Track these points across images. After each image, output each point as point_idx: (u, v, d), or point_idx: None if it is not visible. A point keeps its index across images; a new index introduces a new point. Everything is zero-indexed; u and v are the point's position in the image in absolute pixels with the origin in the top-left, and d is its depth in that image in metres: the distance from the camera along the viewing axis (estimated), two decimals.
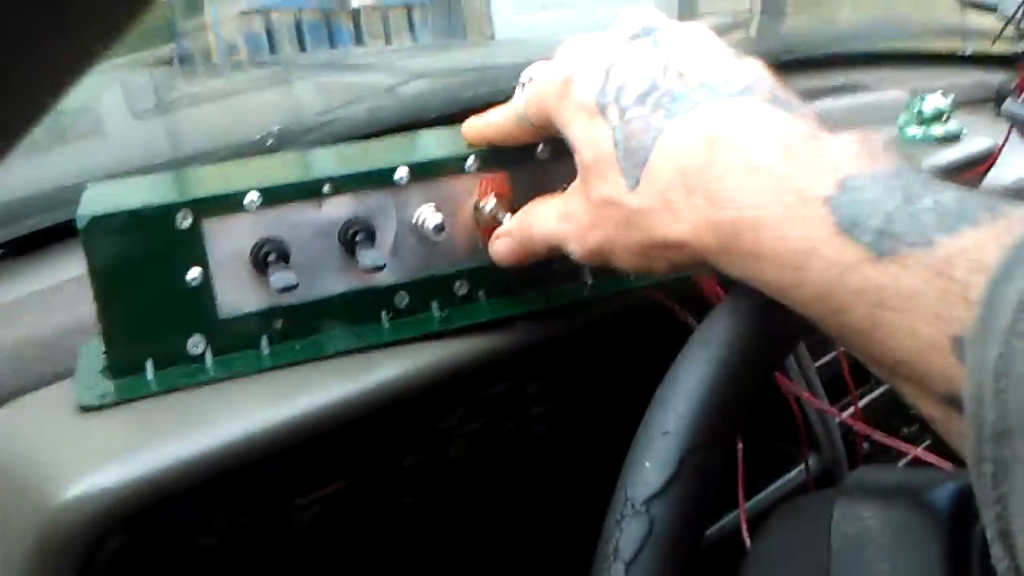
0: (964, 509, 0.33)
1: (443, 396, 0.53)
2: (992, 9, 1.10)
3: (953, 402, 0.28)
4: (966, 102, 1.04)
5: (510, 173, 0.50)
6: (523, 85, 0.47)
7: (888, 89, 1.08)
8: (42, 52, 0.17)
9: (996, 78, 1.19)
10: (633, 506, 0.33)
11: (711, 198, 0.35)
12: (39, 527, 0.38)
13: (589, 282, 0.53)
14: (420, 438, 0.56)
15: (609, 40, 0.42)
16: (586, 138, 0.41)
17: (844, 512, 0.35)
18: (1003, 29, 1.09)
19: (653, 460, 0.34)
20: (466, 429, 0.60)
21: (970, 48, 1.37)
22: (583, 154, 0.41)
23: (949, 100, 0.91)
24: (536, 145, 0.50)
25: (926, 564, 0.32)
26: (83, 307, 0.51)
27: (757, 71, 0.39)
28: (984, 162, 0.88)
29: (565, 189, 0.45)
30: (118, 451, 0.40)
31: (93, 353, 0.48)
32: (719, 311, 0.37)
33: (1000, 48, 1.24)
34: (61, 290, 0.56)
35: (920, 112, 0.91)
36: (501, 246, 0.49)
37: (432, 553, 0.60)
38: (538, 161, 0.50)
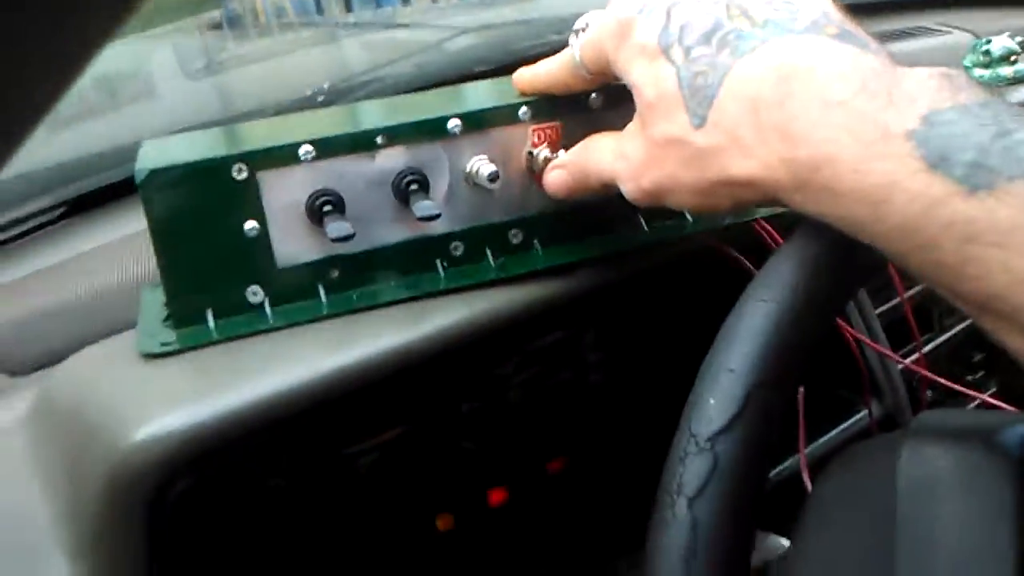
0: None
1: (499, 344, 0.53)
2: None
3: None
4: None
5: (563, 122, 0.49)
6: (577, 33, 0.46)
7: (951, 32, 1.04)
8: (41, 49, 0.16)
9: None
10: (697, 443, 0.33)
11: (785, 134, 0.35)
12: (110, 469, 0.39)
13: (645, 229, 0.53)
14: (477, 385, 0.57)
15: None
16: (648, 78, 0.40)
17: (912, 453, 0.34)
18: None
19: (718, 397, 0.33)
20: (522, 377, 0.60)
21: None
22: (644, 93, 0.40)
23: (1017, 41, 0.88)
24: (589, 94, 0.49)
25: (997, 506, 0.31)
26: (144, 262, 0.52)
27: (824, 6, 0.38)
28: None
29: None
30: (184, 396, 0.41)
31: (154, 304, 0.49)
32: (783, 252, 0.37)
33: None
34: (122, 246, 0.57)
35: (988, 52, 0.87)
36: (555, 178, 0.48)
37: (486, 496, 0.60)
38: (591, 110, 0.49)
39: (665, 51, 0.40)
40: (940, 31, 1.06)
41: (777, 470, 0.64)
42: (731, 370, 0.34)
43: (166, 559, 0.41)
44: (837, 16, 0.38)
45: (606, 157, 0.45)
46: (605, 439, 0.64)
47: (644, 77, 0.40)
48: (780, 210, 0.54)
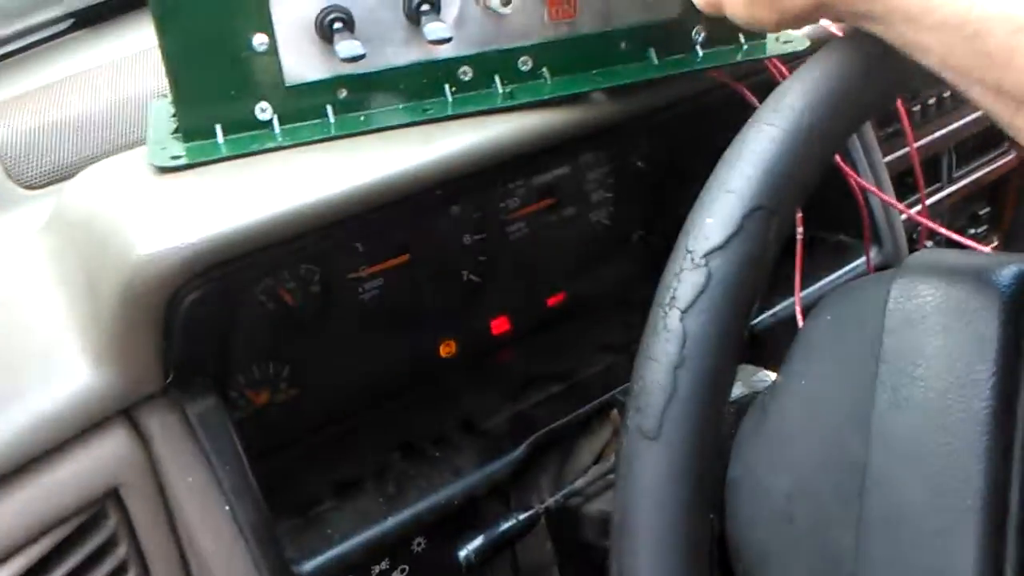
0: (1022, 287, 0.33)
1: (504, 175, 0.53)
2: None
3: None
4: None
5: None
6: None
7: None
8: None
9: None
10: (693, 259, 0.34)
11: None
12: (124, 279, 0.40)
13: (655, 62, 0.52)
14: (481, 217, 0.57)
15: None
16: None
17: (902, 289, 0.35)
18: None
19: (716, 216, 0.34)
20: (526, 211, 0.61)
21: None
22: None
23: None
24: None
25: (979, 342, 0.32)
26: (154, 78, 0.52)
27: None
28: None
29: None
30: (193, 211, 0.42)
31: (164, 116, 0.49)
32: (790, 80, 0.37)
33: None
34: (132, 61, 0.56)
35: None
36: None
37: (487, 325, 0.62)
38: None
39: None
40: None
41: (773, 311, 0.65)
42: (730, 191, 0.34)
43: (180, 363, 0.43)
44: None
45: None
46: (607, 276, 0.65)
47: None
48: (794, 49, 0.54)
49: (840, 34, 0.39)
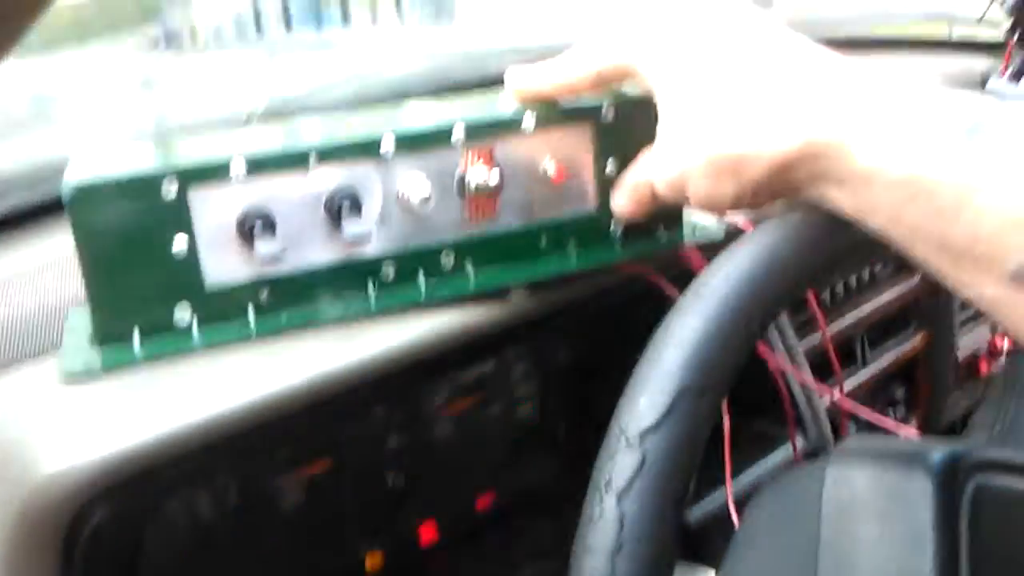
0: (955, 471, 0.34)
1: (430, 373, 0.53)
2: None
3: (1017, 277, 0.32)
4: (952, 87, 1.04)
5: (495, 144, 0.50)
6: (583, 42, 0.48)
7: None
8: None
9: (982, 64, 1.19)
10: (627, 439, 0.34)
11: (800, 101, 0.38)
12: (22, 500, 0.38)
13: (574, 256, 0.53)
14: (405, 418, 0.56)
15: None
16: (670, 77, 0.43)
17: (835, 477, 0.35)
18: (986, 10, 1.09)
19: (648, 396, 0.35)
20: (452, 410, 0.60)
21: (956, 34, 1.37)
22: (666, 91, 0.43)
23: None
24: (521, 117, 0.50)
25: (915, 526, 0.33)
26: (70, 285, 0.51)
27: None
28: None
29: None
30: (103, 423, 0.40)
31: (80, 325, 0.47)
32: (715, 266, 0.38)
33: (986, 35, 1.24)
34: (48, 268, 0.55)
35: None
36: (618, 200, 0.51)
37: (415, 533, 0.59)
38: (523, 133, 0.50)
39: (691, 44, 0.42)
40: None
41: (706, 502, 0.65)
42: (662, 372, 0.35)
43: None
44: None
45: (646, 164, 0.47)
46: (534, 473, 0.64)
47: (666, 77, 0.43)
48: (709, 239, 0.56)
49: (749, 228, 0.41)
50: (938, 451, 0.35)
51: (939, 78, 0.96)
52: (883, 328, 0.91)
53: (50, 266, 0.54)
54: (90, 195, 0.43)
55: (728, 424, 0.53)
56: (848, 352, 0.88)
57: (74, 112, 0.98)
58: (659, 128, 0.44)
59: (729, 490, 0.55)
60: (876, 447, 0.37)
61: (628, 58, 0.45)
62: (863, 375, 0.88)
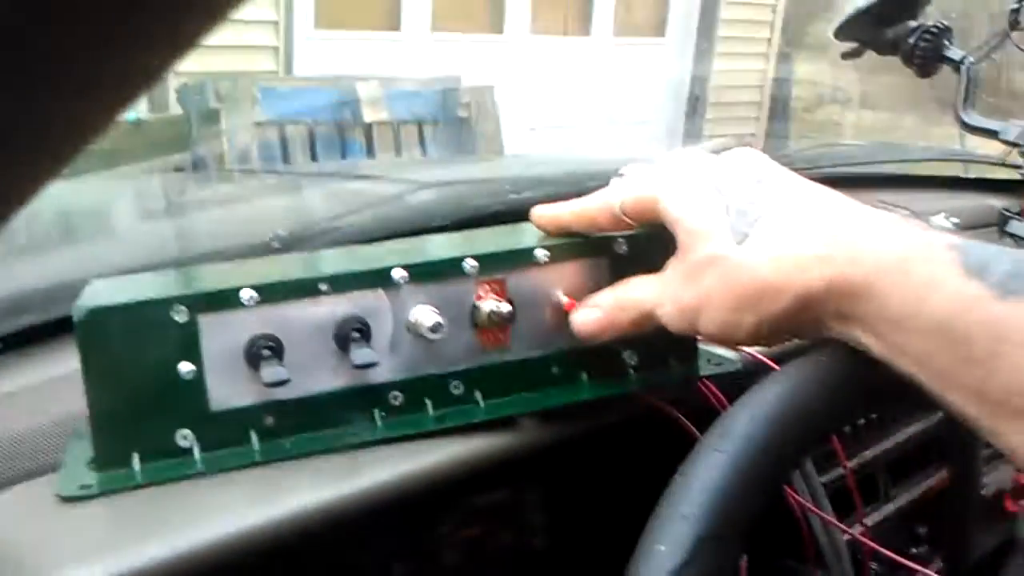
0: None
1: (437, 501, 0.52)
2: (993, 134, 1.11)
3: None
4: (969, 226, 1.05)
5: (508, 276, 0.50)
6: (620, 176, 0.50)
7: (893, 211, 1.08)
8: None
9: (999, 202, 1.20)
10: None
11: (828, 237, 0.38)
12: None
13: (586, 386, 0.53)
14: (412, 545, 0.55)
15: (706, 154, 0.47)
16: (695, 209, 0.43)
17: None
18: (1008, 154, 1.10)
19: (668, 543, 0.33)
20: (461, 537, 0.58)
21: (972, 172, 1.39)
22: (690, 221, 0.43)
23: (952, 222, 0.91)
24: (535, 248, 0.50)
25: None
26: (77, 402, 0.51)
27: None
28: None
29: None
30: (101, 546, 0.39)
31: (81, 444, 0.47)
32: (740, 406, 0.38)
33: (1003, 173, 1.26)
34: (57, 384, 0.55)
35: None
36: (586, 316, 0.49)
37: None
38: (537, 264, 0.50)
39: (716, 187, 0.43)
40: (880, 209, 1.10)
41: None
42: (683, 517, 0.34)
43: None
44: None
45: (648, 288, 0.47)
46: None
47: (691, 209, 0.43)
48: (726, 371, 0.55)
49: (771, 363, 0.41)
50: None
51: (956, 215, 0.96)
52: (906, 463, 0.89)
53: (57, 384, 0.54)
54: (101, 318, 0.43)
55: (745, 562, 0.52)
56: (871, 487, 0.85)
57: (95, 232, 1.00)
58: (678, 256, 0.44)
59: None
60: None
61: (652, 191, 0.46)
62: (886, 511, 0.85)
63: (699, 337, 0.51)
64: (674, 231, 0.45)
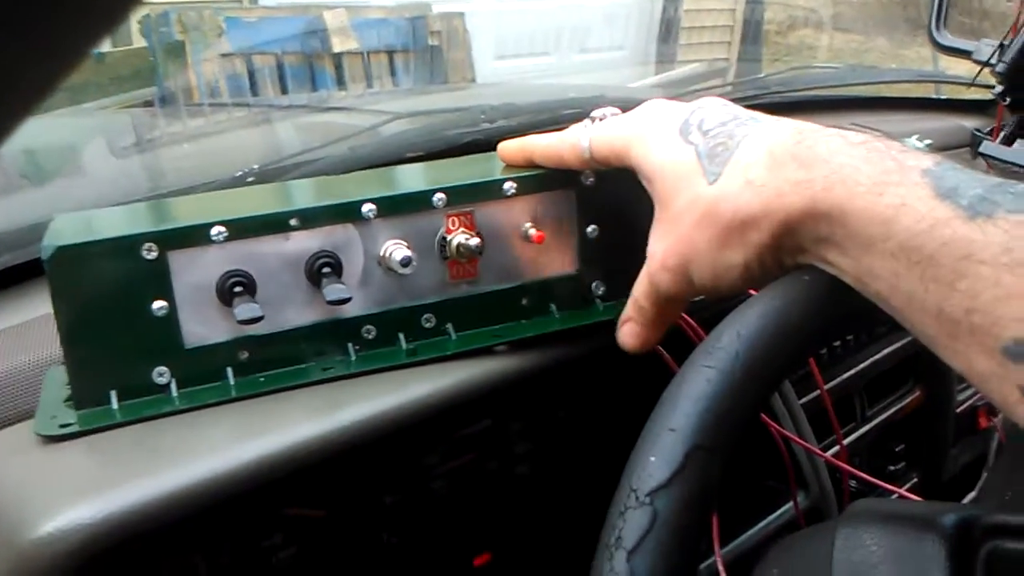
0: (968, 535, 0.34)
1: (422, 433, 0.52)
2: (967, 54, 1.10)
3: (1008, 352, 0.32)
4: (942, 147, 1.05)
5: (475, 208, 0.50)
6: (592, 120, 0.49)
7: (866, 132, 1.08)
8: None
9: (971, 123, 1.20)
10: (637, 497, 0.34)
11: (801, 161, 0.38)
12: (12, 564, 0.37)
13: (557, 315, 0.53)
14: (401, 475, 0.55)
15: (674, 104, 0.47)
16: (667, 161, 0.43)
17: (846, 540, 0.35)
18: (978, 73, 1.09)
19: (658, 455, 0.35)
20: (448, 467, 0.59)
21: (944, 94, 1.38)
22: (664, 175, 0.43)
23: (925, 144, 0.91)
24: (504, 181, 0.51)
25: None
26: (47, 347, 0.50)
27: None
28: None
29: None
30: (88, 486, 0.39)
31: (57, 384, 0.47)
32: (726, 324, 0.38)
33: (974, 93, 1.25)
34: (25, 329, 0.55)
35: None
36: (629, 333, 0.49)
37: None
38: (503, 196, 0.51)
39: (684, 136, 0.43)
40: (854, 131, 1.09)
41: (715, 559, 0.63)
42: (672, 429, 0.35)
43: None
44: None
45: (644, 274, 0.47)
46: (532, 532, 0.63)
47: (663, 162, 0.44)
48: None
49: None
50: (950, 515, 0.35)
51: (929, 136, 0.96)
52: (881, 384, 0.90)
53: (29, 327, 0.54)
54: (70, 257, 0.43)
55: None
56: (847, 408, 0.87)
57: (65, 171, 0.98)
58: (657, 215, 0.45)
59: (718, 554, 0.54)
60: (886, 510, 0.37)
61: (624, 138, 0.46)
62: (863, 431, 0.87)
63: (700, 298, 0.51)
64: (647, 182, 0.45)
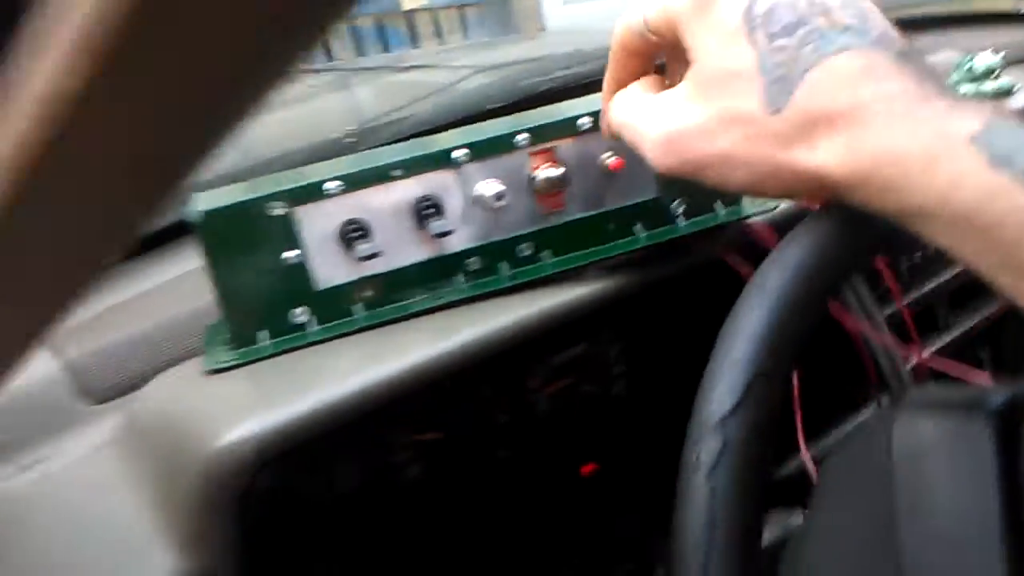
0: (1014, 412, 0.35)
1: (526, 355, 0.57)
2: None
3: None
4: (1017, 60, 1.03)
5: (556, 145, 0.55)
6: None
7: (940, 51, 1.07)
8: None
9: None
10: (708, 426, 0.38)
11: (854, 133, 0.37)
12: (204, 469, 0.44)
13: (643, 235, 0.58)
14: (509, 397, 0.61)
15: None
16: (724, 52, 0.41)
17: (903, 424, 0.38)
18: None
19: (723, 385, 0.38)
20: (548, 391, 0.64)
21: (1022, 7, 1.35)
22: (715, 65, 0.41)
23: (1000, 57, 0.90)
24: (578, 117, 0.55)
25: (979, 465, 0.35)
26: (200, 296, 0.57)
27: (885, 23, 0.41)
28: None
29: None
30: (256, 405, 0.46)
31: (217, 329, 0.55)
32: (773, 259, 0.41)
33: None
34: (180, 282, 0.62)
35: (971, 69, 0.90)
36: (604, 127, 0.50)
37: (525, 503, 0.64)
38: (579, 132, 0.55)
39: (748, 33, 0.40)
40: (931, 50, 1.09)
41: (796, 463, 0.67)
42: (734, 361, 0.39)
43: (256, 549, 0.46)
44: (895, 34, 0.40)
45: (640, 118, 0.45)
46: (631, 446, 0.68)
47: (719, 51, 0.41)
48: (766, 208, 0.59)
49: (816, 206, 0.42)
50: (997, 395, 0.36)
51: (1004, 49, 0.95)
52: (967, 293, 0.91)
53: (183, 280, 0.61)
54: (214, 218, 0.49)
55: (797, 390, 0.56)
56: (931, 320, 0.88)
57: None
58: (691, 77, 0.43)
59: (804, 451, 0.57)
60: (940, 396, 0.39)
61: (676, 10, 0.43)
62: (945, 339, 0.88)
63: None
64: (688, 47, 0.43)
